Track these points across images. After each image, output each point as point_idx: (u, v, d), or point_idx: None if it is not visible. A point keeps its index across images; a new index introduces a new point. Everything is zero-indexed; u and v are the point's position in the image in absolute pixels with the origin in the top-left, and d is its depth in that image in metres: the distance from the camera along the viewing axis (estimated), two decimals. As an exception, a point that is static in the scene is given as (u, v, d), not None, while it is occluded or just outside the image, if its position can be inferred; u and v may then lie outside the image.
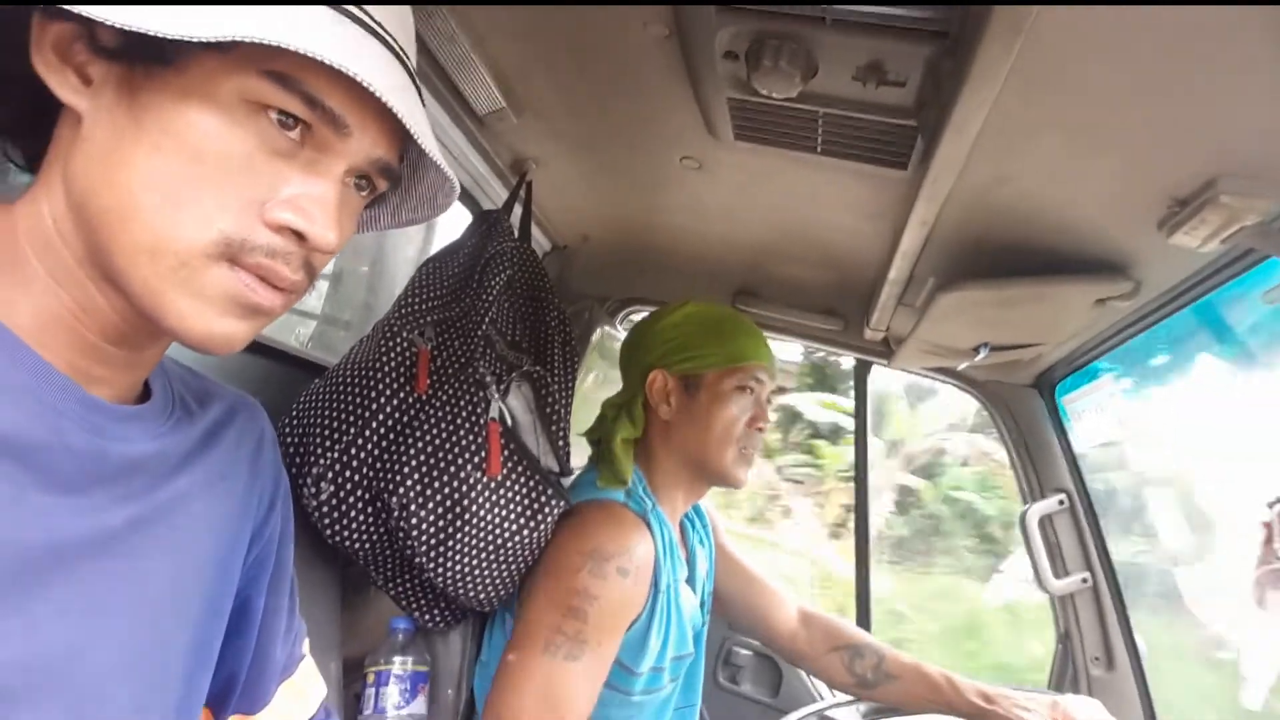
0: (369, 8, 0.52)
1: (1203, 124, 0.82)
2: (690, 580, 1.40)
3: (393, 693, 1.14)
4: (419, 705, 1.16)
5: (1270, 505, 1.02)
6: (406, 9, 0.58)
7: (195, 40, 0.44)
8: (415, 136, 0.52)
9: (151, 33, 0.43)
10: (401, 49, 0.55)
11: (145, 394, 0.60)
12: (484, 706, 1.12)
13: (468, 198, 1.48)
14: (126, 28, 0.43)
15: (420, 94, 0.58)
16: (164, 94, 0.48)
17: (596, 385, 2.20)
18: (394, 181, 0.59)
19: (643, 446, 1.35)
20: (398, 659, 1.16)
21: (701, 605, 1.43)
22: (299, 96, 0.49)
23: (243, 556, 0.68)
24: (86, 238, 0.50)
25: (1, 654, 0.45)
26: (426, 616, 1.20)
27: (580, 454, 1.38)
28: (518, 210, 1.38)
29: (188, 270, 0.48)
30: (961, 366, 1.62)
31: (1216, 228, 0.94)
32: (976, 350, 1.47)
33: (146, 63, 0.48)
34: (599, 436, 1.37)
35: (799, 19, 0.80)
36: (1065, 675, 1.75)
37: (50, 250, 0.51)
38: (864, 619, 1.96)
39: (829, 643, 1.52)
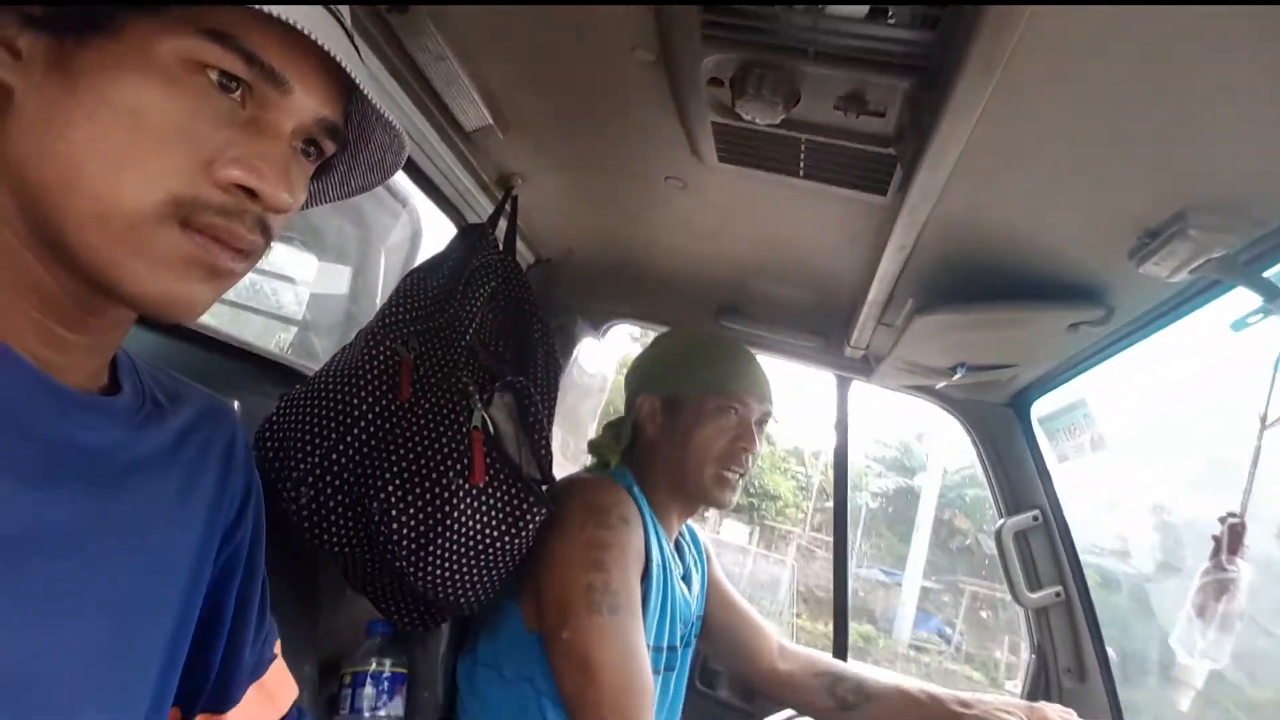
0: None
1: (1172, 158, 0.84)
2: (686, 580, 1.44)
3: (369, 694, 1.14)
4: (396, 706, 1.16)
5: (1221, 520, 1.06)
6: None
7: None
8: (359, 84, 0.51)
9: None
10: (335, 8, 0.54)
11: (115, 390, 0.59)
12: (563, 692, 1.13)
13: (453, 211, 1.48)
14: None
15: (359, 52, 0.57)
16: (97, 61, 0.46)
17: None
18: (341, 143, 0.58)
19: (636, 468, 1.41)
20: (375, 660, 1.16)
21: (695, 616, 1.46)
22: (237, 54, 0.48)
23: (213, 558, 0.67)
24: (30, 215, 0.48)
25: None
26: (405, 619, 1.20)
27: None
28: (503, 224, 1.39)
29: (138, 234, 0.47)
30: (939, 385, 1.64)
31: (1185, 259, 0.96)
32: (953, 370, 1.49)
33: (78, 31, 0.46)
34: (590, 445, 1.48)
35: (782, 49, 0.82)
36: (1039, 686, 1.78)
37: None
38: (841, 637, 1.98)
39: (809, 670, 1.57)
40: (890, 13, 0.73)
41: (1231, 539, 1.02)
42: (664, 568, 1.32)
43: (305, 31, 0.46)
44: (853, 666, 1.57)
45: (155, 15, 0.46)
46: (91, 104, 0.46)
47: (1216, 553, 1.03)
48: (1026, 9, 0.64)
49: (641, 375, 1.48)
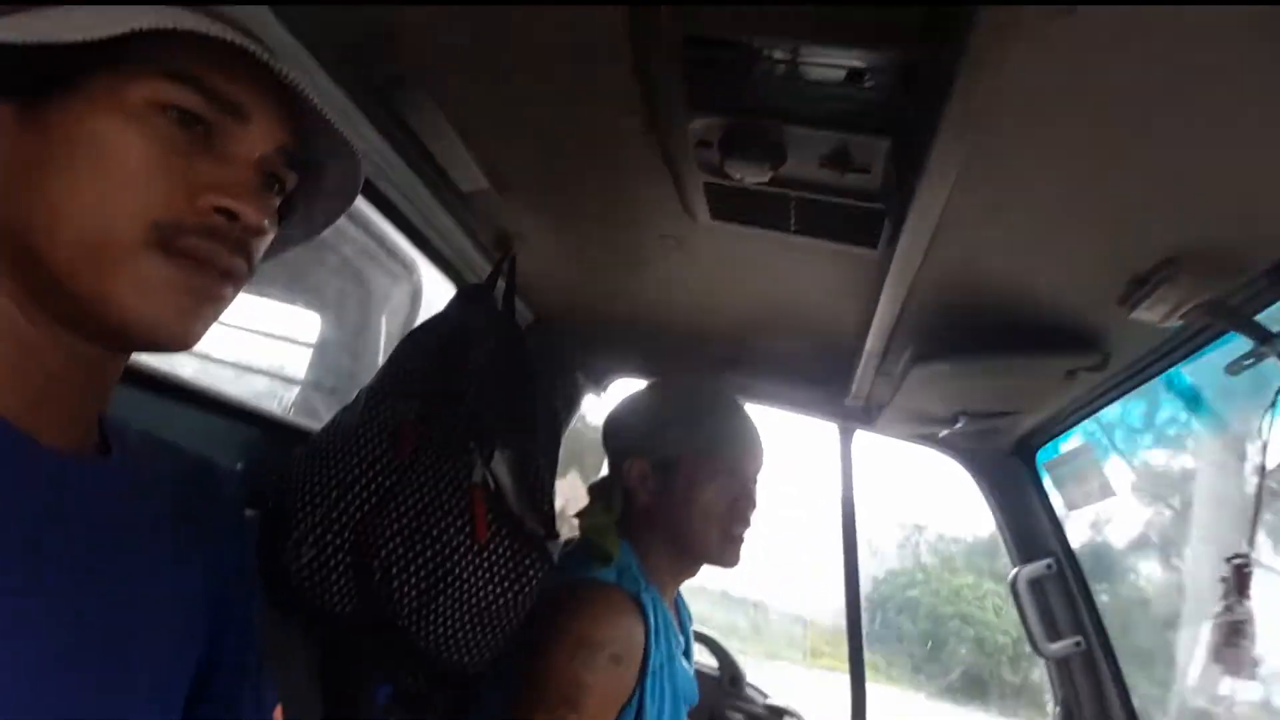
0: (226, 9, 0.55)
1: (1156, 205, 0.85)
2: (686, 653, 1.38)
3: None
4: (401, 774, 1.13)
5: (1228, 560, 1.04)
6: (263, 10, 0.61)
7: (96, 38, 0.45)
8: (312, 102, 0.54)
9: (55, 40, 0.45)
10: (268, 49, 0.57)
11: (104, 453, 0.59)
12: None
13: (452, 271, 1.51)
14: (29, 41, 0.45)
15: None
16: (68, 113, 0.49)
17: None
18: (300, 172, 0.61)
19: (629, 531, 1.32)
20: (379, 729, 1.14)
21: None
22: (200, 92, 0.51)
23: (205, 624, 0.65)
24: (19, 267, 0.50)
25: None
26: (409, 681, 1.18)
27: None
28: (501, 285, 1.40)
29: (124, 263, 0.49)
30: (942, 434, 1.63)
31: (1175, 304, 0.97)
32: (955, 418, 1.49)
33: (38, 92, 0.49)
34: (583, 522, 1.36)
35: (765, 112, 0.85)
36: (1065, 744, 1.73)
37: None
38: (859, 687, 1.93)
39: None
40: (867, 76, 0.76)
41: (1239, 580, 1.00)
42: (662, 673, 1.22)
43: (269, 63, 0.50)
44: None
45: (116, 66, 0.49)
46: (67, 154, 0.48)
47: (1226, 594, 1.00)
48: (1002, 66, 0.65)
49: (624, 436, 1.39)
